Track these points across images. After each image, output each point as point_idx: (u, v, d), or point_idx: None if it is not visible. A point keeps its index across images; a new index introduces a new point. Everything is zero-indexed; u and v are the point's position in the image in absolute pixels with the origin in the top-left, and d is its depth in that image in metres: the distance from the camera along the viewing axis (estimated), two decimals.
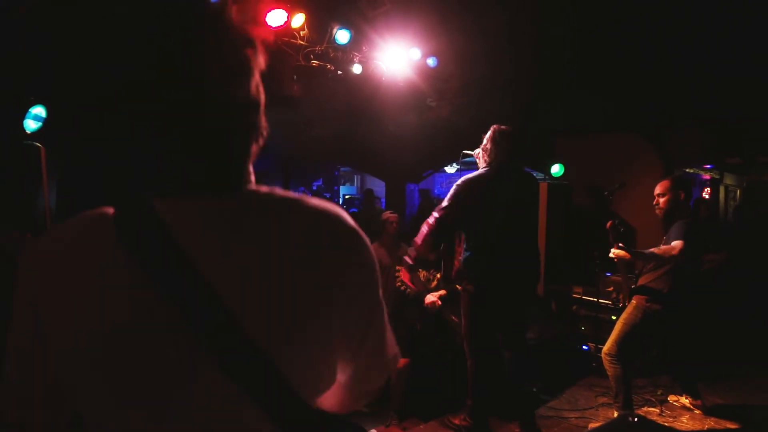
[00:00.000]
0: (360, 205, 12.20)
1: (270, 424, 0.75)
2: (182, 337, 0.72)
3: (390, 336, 0.95)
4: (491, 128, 3.61)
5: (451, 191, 3.49)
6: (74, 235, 0.78)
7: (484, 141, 3.63)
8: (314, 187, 14.69)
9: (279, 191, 0.84)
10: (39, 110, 2.92)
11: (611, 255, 3.90)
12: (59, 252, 0.77)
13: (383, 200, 10.55)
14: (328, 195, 14.61)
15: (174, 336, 0.73)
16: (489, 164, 3.57)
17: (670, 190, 3.89)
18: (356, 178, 18.12)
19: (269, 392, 0.74)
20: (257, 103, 0.82)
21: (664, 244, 3.84)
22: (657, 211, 3.97)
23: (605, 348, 3.92)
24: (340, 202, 14.50)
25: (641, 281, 3.96)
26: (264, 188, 0.83)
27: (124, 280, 0.74)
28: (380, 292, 0.89)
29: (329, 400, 0.93)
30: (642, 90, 5.85)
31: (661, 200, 3.92)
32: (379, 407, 4.11)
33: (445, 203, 3.51)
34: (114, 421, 0.74)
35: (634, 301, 3.92)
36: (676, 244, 3.65)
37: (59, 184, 3.04)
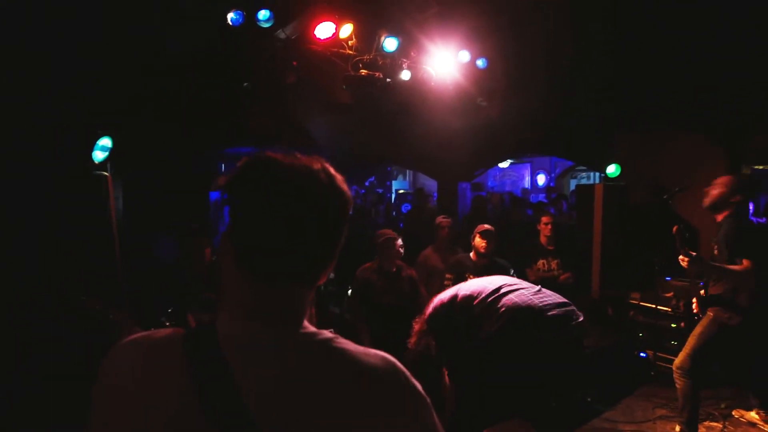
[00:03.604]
0: (413, 201, 12.22)
1: None
2: None
3: None
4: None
5: None
6: (146, 351, 0.87)
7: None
8: (366, 184, 14.81)
9: (338, 338, 0.89)
10: (105, 141, 3.12)
11: (681, 262, 3.65)
12: (130, 365, 0.86)
13: (435, 195, 10.53)
14: (380, 191, 14.68)
15: None
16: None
17: (726, 187, 3.70)
18: (408, 173, 18.09)
19: None
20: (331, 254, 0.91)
21: (717, 245, 3.69)
22: (704, 201, 3.80)
23: (677, 361, 3.77)
24: (393, 198, 14.55)
25: (712, 290, 3.77)
26: (323, 333, 0.89)
27: (177, 402, 0.81)
28: None
29: None
30: (710, 87, 5.55)
31: (713, 191, 3.75)
32: None
33: None
34: None
35: (710, 314, 3.72)
36: (746, 262, 3.50)
37: (125, 210, 3.24)
